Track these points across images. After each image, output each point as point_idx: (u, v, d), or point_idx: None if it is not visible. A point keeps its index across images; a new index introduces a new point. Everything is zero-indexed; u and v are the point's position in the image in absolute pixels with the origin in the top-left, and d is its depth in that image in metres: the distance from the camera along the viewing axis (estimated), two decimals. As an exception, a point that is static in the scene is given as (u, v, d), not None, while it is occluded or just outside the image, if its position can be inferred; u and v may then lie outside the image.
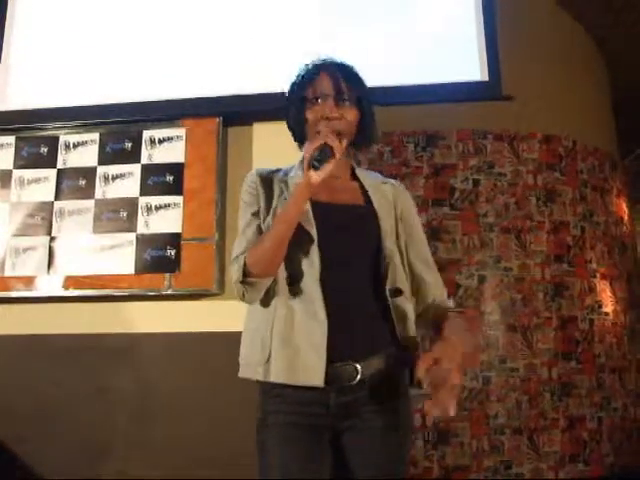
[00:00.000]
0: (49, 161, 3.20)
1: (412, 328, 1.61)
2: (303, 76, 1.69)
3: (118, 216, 3.06)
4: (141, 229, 3.01)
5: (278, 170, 1.71)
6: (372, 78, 3.04)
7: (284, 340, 1.51)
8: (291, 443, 1.50)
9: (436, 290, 1.70)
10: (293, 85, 1.71)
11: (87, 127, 3.20)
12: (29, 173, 3.20)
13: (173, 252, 2.95)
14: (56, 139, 3.22)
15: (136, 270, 2.97)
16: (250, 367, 1.57)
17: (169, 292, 2.93)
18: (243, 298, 1.57)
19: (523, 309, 4.62)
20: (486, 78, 2.99)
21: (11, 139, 3.25)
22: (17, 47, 3.38)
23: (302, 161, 1.62)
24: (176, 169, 3.05)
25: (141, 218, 3.02)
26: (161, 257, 2.96)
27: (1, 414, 2.96)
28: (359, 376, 1.50)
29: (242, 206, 1.66)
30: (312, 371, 1.47)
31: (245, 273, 1.52)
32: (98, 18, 3.34)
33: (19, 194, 3.18)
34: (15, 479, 2.93)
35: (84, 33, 3.33)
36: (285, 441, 1.51)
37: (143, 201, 3.04)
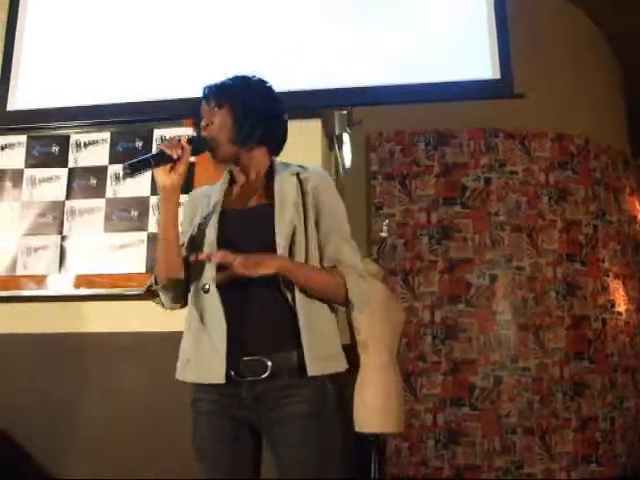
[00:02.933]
0: (60, 160, 3.21)
1: (302, 318, 1.61)
2: (197, 104, 1.80)
3: (129, 215, 3.07)
4: (152, 228, 3.01)
5: (210, 188, 1.84)
6: (383, 77, 3.05)
7: (194, 344, 1.66)
8: (205, 429, 1.66)
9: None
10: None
11: (98, 126, 3.21)
12: (40, 172, 3.21)
13: (184, 251, 2.95)
14: (67, 138, 3.23)
15: (147, 269, 2.98)
16: (178, 369, 1.75)
17: (180, 291, 2.93)
18: (163, 305, 1.75)
19: (535, 308, 4.60)
20: (497, 76, 2.97)
21: (22, 138, 3.26)
22: (28, 47, 3.39)
23: (225, 173, 1.80)
24: (187, 168, 3.04)
25: (152, 217, 3.03)
26: (172, 256, 2.96)
27: (12, 412, 2.97)
28: (268, 370, 1.58)
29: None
30: (214, 372, 1.59)
31: (153, 282, 1.71)
32: (109, 18, 3.35)
33: (30, 193, 3.19)
34: (24, 476, 2.95)
35: (95, 33, 3.34)
36: (201, 428, 1.67)
37: (154, 200, 3.05)
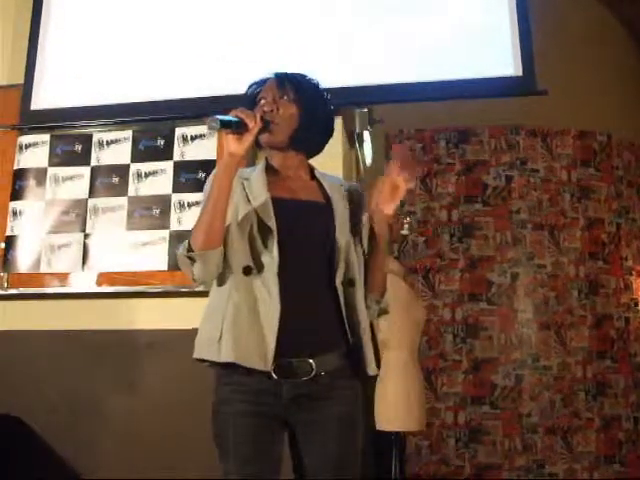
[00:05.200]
0: (83, 159, 3.24)
1: (362, 319, 1.69)
2: (255, 82, 1.83)
3: (151, 213, 3.09)
4: (174, 226, 3.03)
5: (242, 170, 1.79)
6: (404, 74, 3.04)
7: (236, 322, 1.60)
8: (242, 430, 1.60)
9: None
10: (247, 89, 1.84)
11: (120, 125, 3.23)
12: (63, 171, 3.24)
13: (205, 249, 2.96)
14: (90, 137, 3.26)
15: (169, 267, 2.99)
16: (203, 347, 1.67)
17: (202, 289, 2.94)
18: (193, 277, 1.65)
19: (557, 307, 4.57)
20: (520, 73, 2.95)
21: (46, 137, 3.29)
22: (51, 47, 3.42)
23: (263, 161, 1.79)
24: (208, 166, 3.06)
25: (174, 215, 3.04)
26: (194, 254, 2.98)
27: (35, 408, 3.00)
28: (313, 372, 1.60)
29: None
30: (260, 354, 1.57)
31: (189, 249, 1.61)
32: (130, 18, 3.37)
33: (54, 191, 3.22)
34: (48, 471, 2.98)
35: (117, 33, 3.36)
36: (236, 428, 1.61)
37: (176, 198, 3.07)
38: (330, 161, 2.92)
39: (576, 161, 4.83)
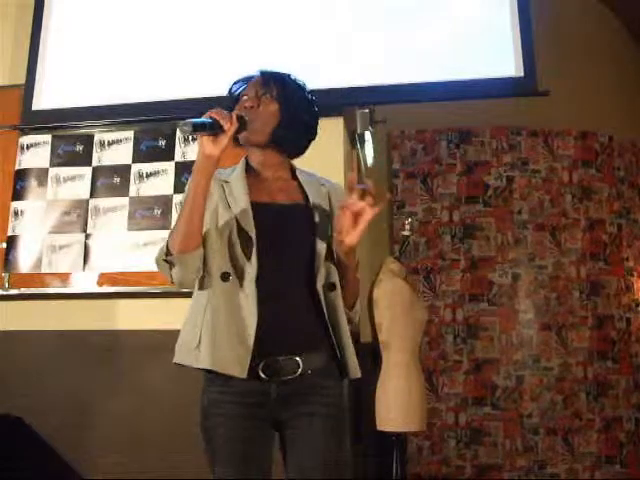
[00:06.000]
0: (84, 159, 3.24)
1: (343, 322, 1.70)
2: (240, 79, 1.81)
3: (152, 213, 3.09)
4: (175, 226, 3.03)
5: (222, 171, 1.77)
6: (405, 75, 3.04)
7: (214, 329, 1.60)
8: (233, 433, 1.61)
9: None
10: (232, 85, 1.83)
11: (122, 125, 3.23)
12: (65, 171, 3.25)
13: (206, 249, 2.96)
14: (91, 137, 3.26)
15: (170, 267, 2.99)
16: (182, 352, 1.68)
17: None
18: (171, 279, 1.65)
19: (558, 307, 4.56)
20: (521, 73, 2.96)
21: (47, 138, 3.29)
22: (53, 47, 3.42)
23: (242, 161, 1.77)
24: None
25: (175, 215, 3.04)
26: (195, 254, 2.98)
27: (36, 408, 3.00)
28: (300, 369, 1.61)
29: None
30: (237, 361, 1.57)
31: (167, 252, 1.62)
32: (131, 18, 3.37)
33: (55, 192, 3.23)
34: (50, 472, 2.97)
35: (118, 33, 3.37)
36: (228, 431, 1.61)
37: (177, 199, 3.07)
38: (331, 161, 2.93)
39: (577, 162, 4.82)
